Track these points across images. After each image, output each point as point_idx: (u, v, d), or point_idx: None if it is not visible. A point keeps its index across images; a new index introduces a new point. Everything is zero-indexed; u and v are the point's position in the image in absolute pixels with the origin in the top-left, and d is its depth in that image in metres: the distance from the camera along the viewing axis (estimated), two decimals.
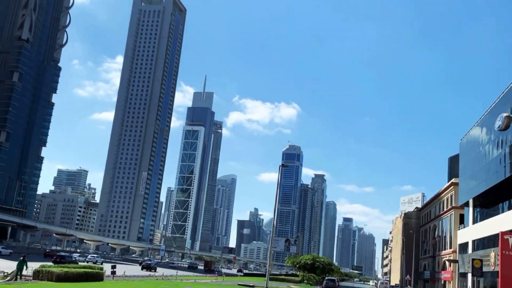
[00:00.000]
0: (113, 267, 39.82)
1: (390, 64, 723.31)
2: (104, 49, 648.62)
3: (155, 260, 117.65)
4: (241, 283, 48.04)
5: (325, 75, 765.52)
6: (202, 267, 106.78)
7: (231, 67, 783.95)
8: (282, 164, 47.02)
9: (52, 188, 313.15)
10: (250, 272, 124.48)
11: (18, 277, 29.06)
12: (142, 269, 69.49)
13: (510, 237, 31.49)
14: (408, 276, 78.18)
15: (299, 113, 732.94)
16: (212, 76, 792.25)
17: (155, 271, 66.38)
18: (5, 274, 29.79)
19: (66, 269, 30.04)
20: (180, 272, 69.00)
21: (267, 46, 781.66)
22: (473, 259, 29.83)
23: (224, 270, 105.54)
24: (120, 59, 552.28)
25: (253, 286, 42.76)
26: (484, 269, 37.39)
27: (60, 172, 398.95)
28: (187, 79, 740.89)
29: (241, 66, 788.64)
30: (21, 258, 29.92)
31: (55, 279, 28.03)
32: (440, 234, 72.73)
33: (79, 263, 41.82)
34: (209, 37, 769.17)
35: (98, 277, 32.41)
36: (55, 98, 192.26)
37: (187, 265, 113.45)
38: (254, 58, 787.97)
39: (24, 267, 30.08)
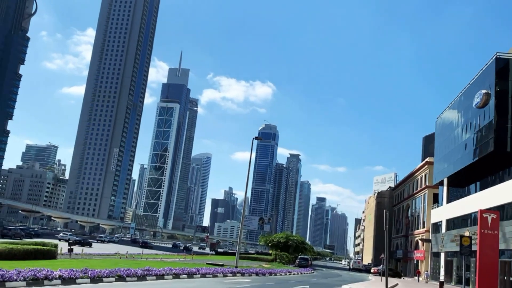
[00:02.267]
0: (70, 244, 36.99)
1: (364, 46, 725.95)
2: (74, 21, 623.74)
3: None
4: (210, 262, 45.99)
5: (300, 55, 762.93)
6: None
7: (206, 43, 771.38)
8: (256, 137, 44.71)
9: (21, 163, 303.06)
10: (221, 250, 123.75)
11: None
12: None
13: (489, 215, 30.27)
14: (382, 255, 78.01)
15: (274, 92, 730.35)
16: (187, 52, 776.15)
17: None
18: None
19: (11, 246, 27.21)
20: (147, 251, 66.75)
21: (244, 23, 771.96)
22: (461, 236, 28.53)
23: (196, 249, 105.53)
24: (90, 32, 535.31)
25: (222, 265, 40.80)
26: (458, 248, 36.37)
27: (28, 147, 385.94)
28: (160, 55, 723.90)
29: (216, 43, 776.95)
30: None
31: None
32: (413, 214, 72.49)
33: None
34: (185, 12, 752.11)
35: (49, 255, 29.69)
36: (22, 70, 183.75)
37: (198, 247, 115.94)
38: (230, 34, 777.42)
39: None
